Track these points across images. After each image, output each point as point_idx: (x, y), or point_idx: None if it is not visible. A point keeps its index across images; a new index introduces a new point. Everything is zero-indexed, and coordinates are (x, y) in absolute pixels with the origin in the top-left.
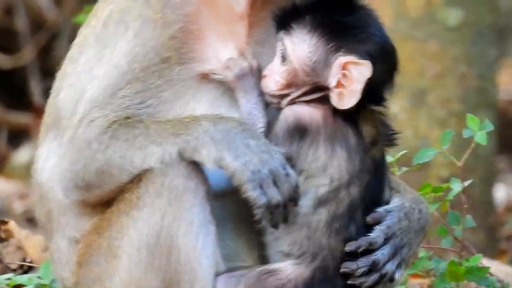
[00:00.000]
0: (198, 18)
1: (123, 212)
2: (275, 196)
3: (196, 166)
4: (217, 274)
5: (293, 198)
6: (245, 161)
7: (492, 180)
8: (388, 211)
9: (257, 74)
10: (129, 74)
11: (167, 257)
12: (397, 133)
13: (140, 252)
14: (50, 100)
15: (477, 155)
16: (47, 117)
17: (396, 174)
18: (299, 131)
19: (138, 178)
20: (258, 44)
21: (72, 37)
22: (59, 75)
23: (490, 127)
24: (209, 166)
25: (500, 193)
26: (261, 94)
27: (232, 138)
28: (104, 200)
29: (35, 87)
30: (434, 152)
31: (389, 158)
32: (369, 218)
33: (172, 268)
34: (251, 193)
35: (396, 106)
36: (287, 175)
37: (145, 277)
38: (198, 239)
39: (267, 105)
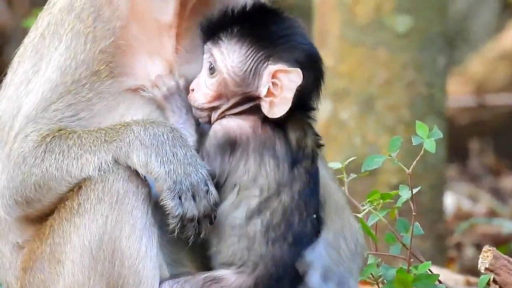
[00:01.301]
0: (128, 32)
1: (64, 219)
2: (191, 209)
3: (135, 170)
4: (161, 279)
5: (208, 215)
6: (169, 169)
7: (441, 188)
8: (316, 251)
9: (185, 92)
10: (61, 87)
11: (110, 261)
12: (321, 139)
13: (83, 258)
14: None
15: (426, 162)
16: None
17: (344, 181)
18: (229, 145)
19: (78, 186)
20: (187, 54)
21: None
22: (4, 83)
23: (439, 134)
24: (140, 171)
25: (449, 201)
26: (190, 111)
27: (161, 143)
28: (46, 213)
29: None
30: (382, 159)
31: (337, 165)
32: (300, 269)
33: (116, 272)
34: (169, 202)
35: (344, 113)
36: (207, 192)
37: (89, 282)
38: (141, 242)
39: (197, 121)
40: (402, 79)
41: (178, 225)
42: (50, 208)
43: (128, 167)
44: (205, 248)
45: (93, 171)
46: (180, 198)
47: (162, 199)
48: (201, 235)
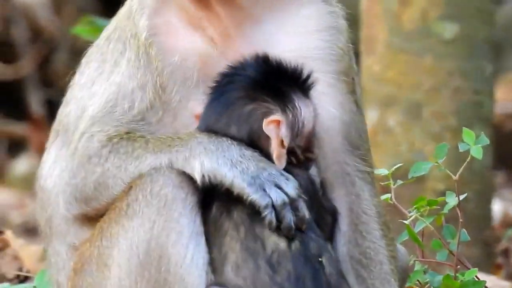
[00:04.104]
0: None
1: (113, 221)
2: (279, 195)
3: (187, 176)
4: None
5: (299, 196)
6: (242, 168)
7: (488, 195)
8: None
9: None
10: (129, 92)
11: (156, 267)
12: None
13: (130, 262)
14: (61, 109)
15: (473, 169)
16: (56, 124)
17: (391, 187)
18: None
19: (129, 186)
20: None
21: (71, 48)
22: (71, 84)
23: (486, 141)
24: (198, 178)
25: (497, 208)
26: None
27: (227, 149)
28: (102, 213)
29: (33, 97)
30: (429, 166)
31: (384, 172)
32: None
33: (162, 278)
34: (254, 196)
35: (391, 120)
36: (287, 179)
37: (135, 287)
38: (187, 249)
39: None
40: (448, 86)
41: (273, 215)
42: (106, 209)
43: (180, 174)
44: None
45: (146, 169)
46: (264, 189)
47: (246, 198)
48: (306, 217)
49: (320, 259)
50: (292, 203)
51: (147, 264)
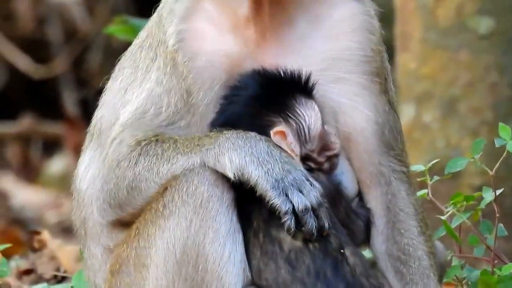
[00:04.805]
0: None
1: (149, 221)
2: (302, 201)
3: (222, 174)
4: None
5: (321, 204)
6: (267, 169)
7: None
8: None
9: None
10: (157, 98)
11: (194, 266)
12: None
13: (167, 262)
14: (96, 112)
15: (509, 164)
16: (92, 128)
17: (428, 183)
18: None
19: (164, 188)
20: (273, 45)
21: (105, 48)
22: (105, 88)
23: None
24: (230, 175)
25: None
26: None
27: (255, 145)
28: (137, 217)
29: (67, 97)
30: (465, 161)
31: (420, 167)
32: None
33: (199, 277)
34: (276, 200)
35: (428, 116)
36: (311, 185)
37: (173, 286)
38: (225, 247)
39: None
40: (484, 81)
41: (293, 221)
42: (141, 212)
43: (214, 172)
44: None
45: (179, 170)
46: (286, 194)
47: (268, 200)
48: (325, 225)
49: (342, 250)
50: (314, 210)
51: (184, 263)
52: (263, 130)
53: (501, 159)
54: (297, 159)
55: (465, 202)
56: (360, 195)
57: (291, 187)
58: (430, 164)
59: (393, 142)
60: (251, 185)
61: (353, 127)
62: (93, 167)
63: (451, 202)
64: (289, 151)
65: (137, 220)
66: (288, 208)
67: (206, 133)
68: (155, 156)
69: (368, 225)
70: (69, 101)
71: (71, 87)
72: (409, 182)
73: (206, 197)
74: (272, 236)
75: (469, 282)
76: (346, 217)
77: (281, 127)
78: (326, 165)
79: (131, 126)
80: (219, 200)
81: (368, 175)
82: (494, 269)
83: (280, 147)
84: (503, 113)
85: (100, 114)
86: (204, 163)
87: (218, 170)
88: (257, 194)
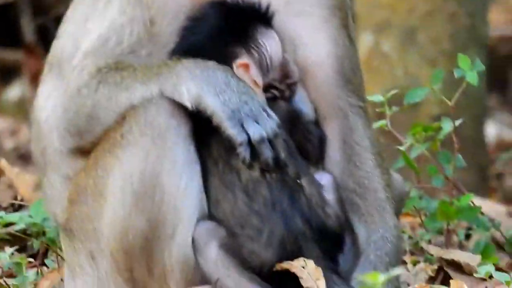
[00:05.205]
0: None
1: (107, 151)
2: (257, 131)
3: (179, 104)
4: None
5: (277, 135)
6: (224, 99)
7: (482, 119)
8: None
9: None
10: (119, 26)
11: (151, 197)
12: None
13: (124, 192)
14: (55, 42)
15: (467, 94)
16: (50, 58)
17: (387, 114)
18: None
19: (122, 117)
20: None
21: None
22: (65, 17)
23: (481, 67)
24: (188, 104)
25: (490, 131)
26: None
27: (212, 73)
28: (96, 146)
29: (26, 24)
30: (425, 92)
31: (379, 98)
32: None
33: (156, 208)
34: (231, 130)
35: (386, 45)
36: (268, 115)
37: (130, 216)
38: (181, 179)
39: None
40: (443, 10)
41: (248, 152)
42: (100, 141)
43: (172, 102)
44: None
45: (138, 99)
46: (242, 125)
47: (224, 131)
48: (282, 156)
49: (299, 181)
50: (270, 141)
51: (141, 194)
52: (226, 61)
53: (460, 89)
54: (260, 90)
55: (424, 133)
56: (316, 123)
57: (247, 117)
58: (389, 95)
59: (351, 76)
60: (208, 115)
61: (312, 60)
62: (52, 97)
63: (410, 132)
64: (251, 83)
65: (95, 149)
66: (243, 138)
67: (165, 61)
68: (114, 84)
69: (322, 144)
70: (28, 28)
71: (29, 13)
72: (366, 116)
73: (164, 128)
74: (232, 165)
75: (428, 213)
76: (303, 137)
77: (244, 58)
78: (287, 93)
79: (93, 54)
80: (176, 131)
81: (325, 108)
82: (453, 200)
83: (239, 77)
84: (462, 43)
85: (61, 43)
86: (162, 93)
87: (176, 99)
88: (214, 124)
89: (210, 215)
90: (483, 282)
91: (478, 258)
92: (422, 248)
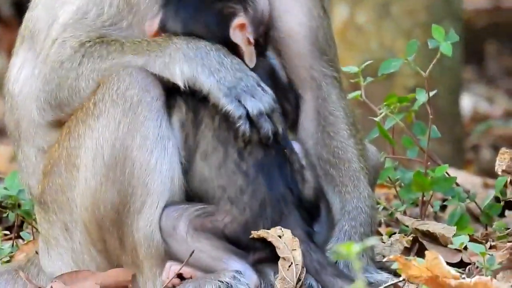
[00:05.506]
0: None
1: (80, 120)
2: (255, 105)
3: (154, 79)
4: (171, 199)
5: (274, 109)
6: (219, 78)
7: (457, 91)
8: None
9: None
10: None
11: (121, 170)
12: None
13: (96, 163)
14: (27, 14)
15: (443, 65)
16: (23, 29)
17: (361, 85)
18: None
19: (98, 85)
20: None
21: None
22: None
23: (455, 38)
24: (180, 83)
25: (466, 103)
26: None
27: (206, 55)
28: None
29: None
30: (399, 63)
31: (354, 69)
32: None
33: (126, 181)
34: (229, 106)
35: (361, 17)
36: (263, 90)
37: (100, 188)
38: (152, 154)
39: None
40: None
41: (247, 126)
42: None
43: (147, 76)
44: None
45: (117, 68)
46: (239, 100)
47: (221, 108)
48: (279, 129)
49: (285, 150)
50: (268, 115)
51: (112, 165)
52: (224, 18)
53: (435, 60)
54: (252, 47)
55: (398, 104)
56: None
57: (244, 93)
58: (363, 66)
59: (325, 47)
60: (204, 94)
61: (286, 31)
62: (26, 68)
63: (385, 103)
64: (245, 42)
65: (69, 119)
66: (242, 112)
67: (155, 39)
68: (100, 58)
69: (297, 105)
70: (3, 1)
71: None
72: (340, 87)
73: (136, 101)
74: (230, 124)
75: (402, 184)
76: (282, 95)
77: (242, 18)
78: (265, 48)
79: (73, 26)
80: (149, 105)
81: (300, 77)
82: (427, 171)
83: (230, 54)
84: (437, 14)
85: (35, 14)
86: (147, 67)
87: (165, 76)
88: (211, 103)
89: (187, 174)
90: (458, 253)
91: (453, 229)
92: (397, 219)
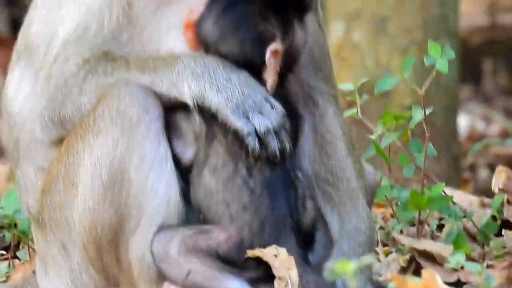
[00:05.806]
0: None
1: (79, 136)
2: (263, 122)
3: (154, 99)
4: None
5: (283, 126)
6: (227, 95)
7: (454, 109)
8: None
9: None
10: (97, 11)
11: (119, 189)
12: None
13: (94, 182)
14: (22, 30)
15: (439, 83)
16: (19, 46)
17: (357, 103)
18: None
19: (97, 101)
20: None
21: None
22: (32, 3)
23: (452, 55)
24: (189, 102)
25: (463, 122)
26: None
27: (213, 72)
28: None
29: None
30: (395, 81)
31: (349, 86)
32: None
33: (123, 201)
34: (237, 123)
35: (357, 35)
36: (272, 106)
37: (99, 207)
38: (148, 176)
39: None
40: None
41: (256, 142)
42: None
43: (147, 95)
44: None
45: (119, 83)
46: (247, 117)
47: (230, 125)
48: (287, 147)
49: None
50: (275, 132)
51: (110, 185)
52: (262, 39)
53: (431, 78)
54: (276, 76)
55: (394, 122)
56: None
57: (251, 109)
58: (359, 83)
59: (321, 63)
60: (213, 112)
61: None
62: (25, 86)
63: (381, 121)
64: (273, 71)
65: (68, 135)
66: (250, 129)
67: (162, 56)
68: (104, 74)
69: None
70: (0, 19)
71: (2, 5)
72: (336, 104)
73: (135, 120)
74: (242, 141)
75: (399, 202)
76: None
77: (278, 45)
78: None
79: (75, 43)
80: (148, 125)
81: (296, 94)
82: (424, 189)
83: (239, 70)
84: (433, 32)
85: (32, 30)
86: (153, 87)
87: (172, 95)
88: (219, 120)
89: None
90: (455, 272)
91: (450, 248)
92: (394, 238)
